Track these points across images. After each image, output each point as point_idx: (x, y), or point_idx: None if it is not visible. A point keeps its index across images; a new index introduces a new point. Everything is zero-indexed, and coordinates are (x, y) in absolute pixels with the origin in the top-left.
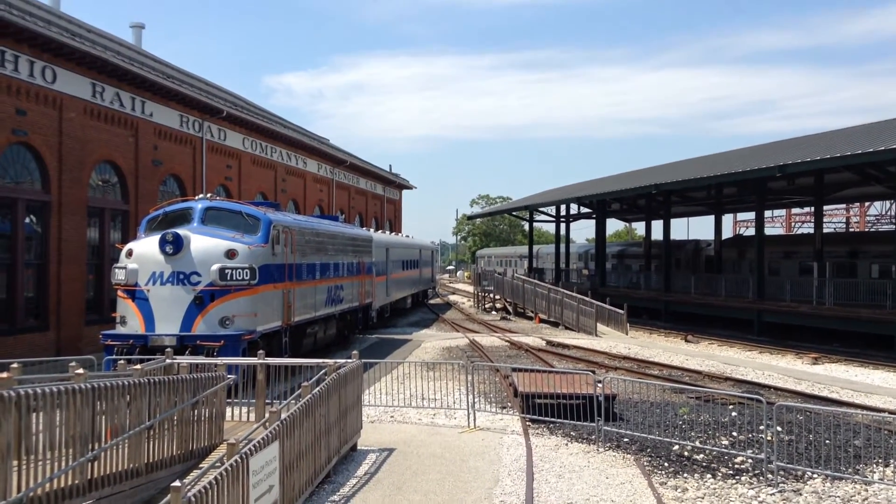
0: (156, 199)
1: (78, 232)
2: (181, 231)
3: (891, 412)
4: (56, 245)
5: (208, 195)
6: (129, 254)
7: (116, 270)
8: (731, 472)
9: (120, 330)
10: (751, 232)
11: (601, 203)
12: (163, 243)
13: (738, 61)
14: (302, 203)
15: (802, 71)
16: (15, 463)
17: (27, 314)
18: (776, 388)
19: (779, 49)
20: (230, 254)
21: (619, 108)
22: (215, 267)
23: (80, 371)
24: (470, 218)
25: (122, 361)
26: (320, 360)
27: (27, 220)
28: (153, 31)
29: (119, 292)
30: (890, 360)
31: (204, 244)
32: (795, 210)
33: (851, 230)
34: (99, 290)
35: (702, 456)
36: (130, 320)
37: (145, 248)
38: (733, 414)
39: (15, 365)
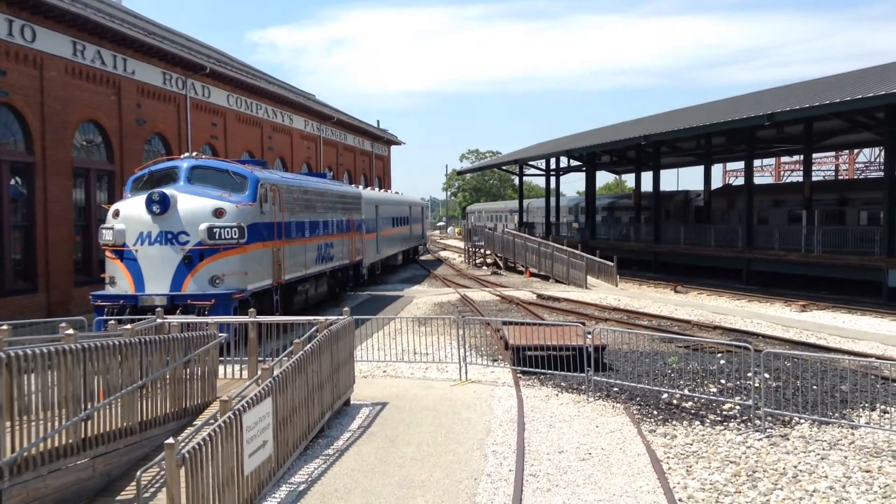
0: (141, 159)
1: (64, 193)
2: (167, 190)
3: (877, 357)
4: (42, 207)
5: (194, 154)
6: (116, 214)
7: (104, 231)
8: (719, 418)
9: (110, 290)
10: (740, 181)
11: (591, 156)
12: (149, 203)
13: (729, 7)
14: (289, 161)
15: (793, 17)
16: (8, 424)
17: (15, 277)
18: (764, 336)
19: None
20: (218, 213)
21: (608, 59)
22: (203, 226)
23: (71, 332)
24: (460, 173)
25: (112, 322)
26: (312, 318)
27: (12, 182)
28: None
29: (107, 253)
30: (877, 305)
31: (191, 203)
32: (785, 159)
33: (840, 178)
34: (87, 251)
35: (690, 404)
36: (120, 281)
37: (132, 209)
38: (722, 362)
39: (4, 327)
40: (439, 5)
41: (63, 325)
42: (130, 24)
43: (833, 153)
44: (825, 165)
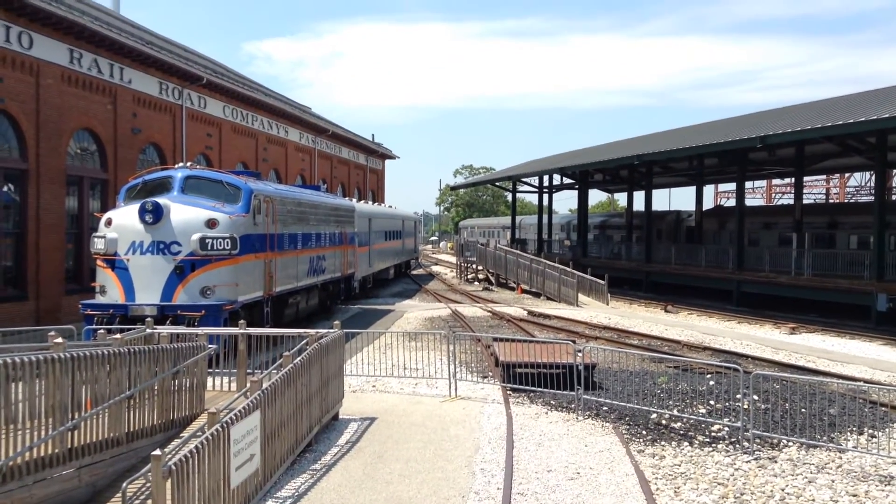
0: (135, 168)
1: (57, 201)
2: (161, 200)
3: (866, 381)
4: (34, 214)
5: (188, 164)
6: (109, 223)
7: (96, 240)
8: (707, 439)
9: (100, 300)
10: (731, 203)
11: (584, 174)
12: (142, 212)
13: (722, 30)
14: (284, 172)
15: (786, 40)
16: None
17: (6, 283)
18: (754, 358)
19: (763, 18)
20: (211, 223)
21: (601, 79)
22: (196, 236)
23: (60, 340)
24: (453, 188)
25: (102, 331)
26: (302, 331)
27: (5, 188)
28: None
29: (98, 262)
30: (866, 329)
31: (184, 214)
32: (776, 181)
33: (831, 201)
34: (78, 260)
35: (679, 424)
36: (110, 290)
37: (125, 218)
38: (711, 383)
39: None
40: (437, 22)
41: (52, 333)
42: (128, 34)
43: (824, 176)
44: (816, 189)
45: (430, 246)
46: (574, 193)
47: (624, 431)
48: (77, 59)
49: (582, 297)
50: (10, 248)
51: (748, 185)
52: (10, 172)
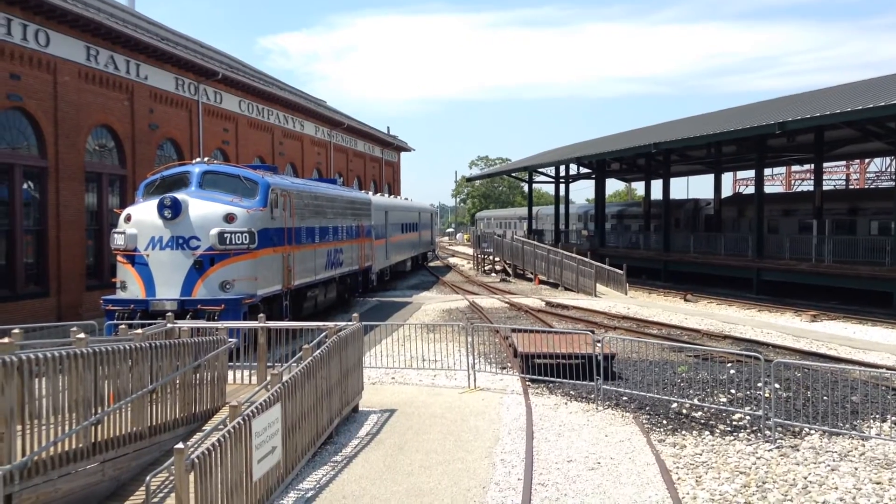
0: (153, 164)
1: (76, 197)
2: (179, 195)
3: (889, 368)
4: (54, 211)
5: (206, 159)
6: (128, 219)
7: (115, 235)
8: (729, 428)
9: (120, 295)
10: (750, 190)
11: (600, 163)
12: (161, 208)
13: (737, 17)
14: (300, 166)
15: (804, 26)
16: (19, 427)
17: (27, 280)
18: (774, 346)
19: (778, 3)
20: (229, 218)
21: (617, 67)
22: (214, 231)
23: (82, 336)
24: (469, 180)
25: (123, 326)
26: (321, 323)
27: (25, 186)
28: None
29: (118, 257)
30: (888, 316)
31: (202, 208)
32: (795, 168)
33: (851, 187)
34: (98, 256)
35: (700, 413)
36: (131, 285)
37: (144, 213)
38: (731, 371)
39: (16, 330)
40: (451, 13)
41: (74, 329)
42: (144, 30)
43: (844, 162)
44: (836, 175)
45: (446, 238)
46: (591, 183)
47: (644, 421)
48: (94, 56)
49: (600, 287)
50: (31, 244)
51: (767, 171)
52: (29, 170)
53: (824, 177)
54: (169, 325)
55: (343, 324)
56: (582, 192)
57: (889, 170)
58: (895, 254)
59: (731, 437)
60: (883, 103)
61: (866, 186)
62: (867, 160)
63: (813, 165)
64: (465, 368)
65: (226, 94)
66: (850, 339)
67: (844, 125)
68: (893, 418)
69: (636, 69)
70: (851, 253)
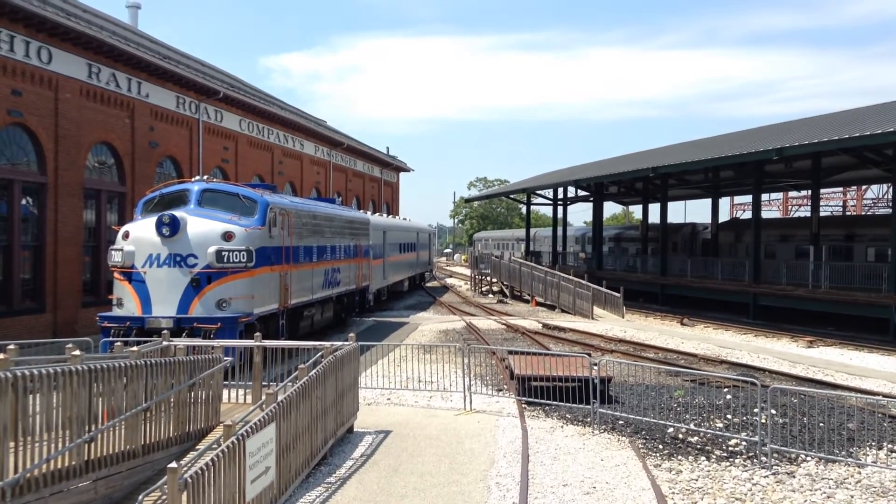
0: (152, 181)
1: (74, 214)
2: (178, 213)
3: (885, 395)
4: (53, 227)
5: (205, 177)
6: (126, 236)
7: (113, 252)
8: (725, 454)
9: (117, 312)
10: (747, 215)
11: (598, 186)
12: (159, 225)
13: (738, 42)
14: (299, 185)
15: (803, 52)
16: (12, 444)
17: (24, 296)
18: (771, 371)
19: (779, 30)
20: (227, 236)
21: (617, 91)
22: (212, 249)
23: (77, 353)
24: (467, 201)
25: (118, 343)
26: (317, 343)
27: (24, 201)
28: (149, 11)
29: (116, 274)
30: (885, 343)
31: (201, 226)
32: (792, 193)
33: (848, 213)
34: (96, 273)
35: (696, 438)
36: (127, 302)
37: (142, 231)
38: (728, 397)
39: (11, 346)
40: (451, 35)
41: (69, 345)
42: (146, 48)
43: (841, 189)
44: (833, 201)
45: (444, 258)
46: (588, 206)
47: (640, 445)
48: (95, 74)
49: (597, 310)
50: (29, 260)
51: (764, 197)
52: (28, 186)
53: (821, 203)
54: (164, 343)
55: (339, 343)
56: (580, 215)
57: (886, 196)
58: (892, 280)
59: (727, 463)
60: (880, 131)
61: (863, 213)
62: (864, 186)
63: (810, 191)
64: (461, 390)
65: (226, 113)
66: (846, 365)
67: (842, 152)
68: (890, 446)
69: (635, 93)
70: (848, 279)
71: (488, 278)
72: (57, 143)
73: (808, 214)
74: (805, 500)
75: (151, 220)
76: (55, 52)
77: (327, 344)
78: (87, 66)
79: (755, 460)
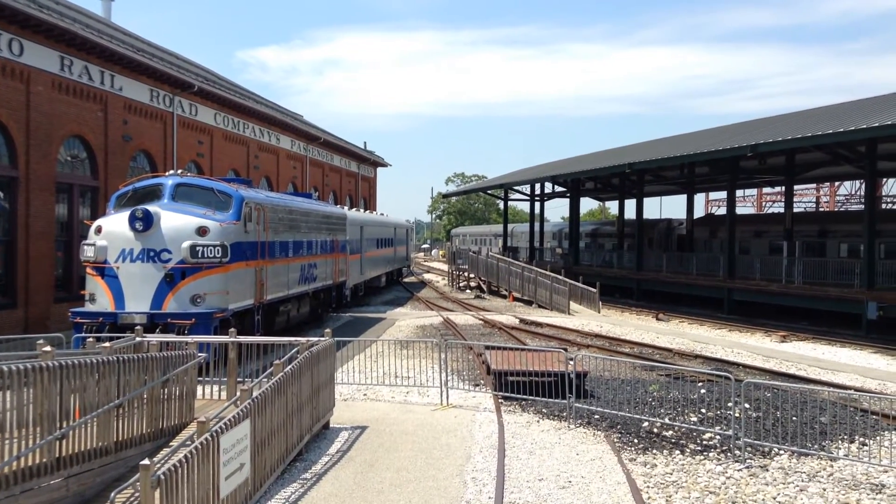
0: (126, 175)
1: (46, 208)
2: (151, 208)
3: (857, 389)
4: (24, 221)
5: (179, 171)
6: (99, 230)
7: (85, 247)
8: (699, 448)
9: (89, 308)
10: (722, 211)
11: (575, 182)
12: (132, 220)
13: (716, 39)
14: (275, 180)
15: (779, 49)
16: None
17: None
18: (745, 366)
19: (757, 27)
20: (201, 231)
21: (596, 87)
22: (186, 244)
23: (48, 349)
24: (445, 196)
25: (91, 339)
26: (293, 339)
27: None
28: (123, 2)
29: (88, 269)
30: (857, 337)
31: (174, 221)
32: (767, 189)
33: (821, 210)
34: (68, 268)
35: (671, 432)
36: (100, 298)
37: (115, 225)
38: (702, 391)
39: None
40: (430, 30)
41: (40, 342)
42: (119, 41)
43: (814, 185)
44: (806, 197)
45: (421, 254)
46: (566, 202)
47: (615, 440)
48: (68, 67)
49: (573, 305)
50: (0, 255)
51: (739, 193)
52: None
53: (795, 199)
54: (137, 339)
55: (315, 339)
56: (557, 211)
57: (858, 193)
58: (864, 276)
59: (702, 457)
60: (853, 127)
61: (836, 209)
62: (837, 183)
63: (784, 187)
64: (437, 385)
65: (201, 107)
66: (818, 359)
67: (815, 148)
68: (861, 439)
69: (615, 89)
70: (821, 274)
71: (466, 274)
72: (28, 136)
73: (782, 210)
74: (778, 493)
75: (124, 215)
76: (27, 44)
77: (303, 340)
78: (60, 58)
79: (729, 454)
